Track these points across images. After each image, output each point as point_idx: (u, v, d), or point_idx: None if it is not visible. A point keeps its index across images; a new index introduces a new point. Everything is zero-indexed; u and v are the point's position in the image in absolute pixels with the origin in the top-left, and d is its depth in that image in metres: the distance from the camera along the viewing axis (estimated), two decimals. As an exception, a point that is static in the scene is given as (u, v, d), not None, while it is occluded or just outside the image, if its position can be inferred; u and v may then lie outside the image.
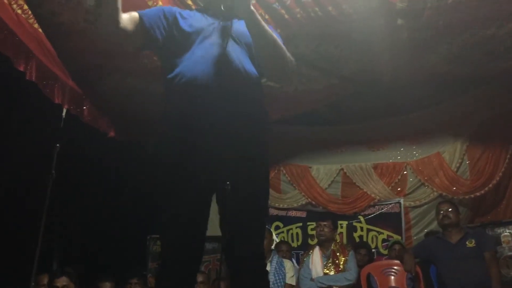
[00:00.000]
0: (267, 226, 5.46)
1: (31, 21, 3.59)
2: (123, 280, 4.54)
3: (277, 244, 5.31)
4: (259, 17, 1.77)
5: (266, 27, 1.79)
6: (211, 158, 1.68)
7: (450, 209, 4.07)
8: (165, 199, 1.72)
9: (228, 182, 1.58)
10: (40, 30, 3.61)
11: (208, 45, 1.79)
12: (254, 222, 1.74)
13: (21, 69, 3.61)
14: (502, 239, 4.39)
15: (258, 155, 1.78)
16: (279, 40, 1.83)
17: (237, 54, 1.80)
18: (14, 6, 3.43)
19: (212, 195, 1.77)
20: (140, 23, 1.79)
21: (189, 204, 1.68)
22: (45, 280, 4.15)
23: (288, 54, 1.85)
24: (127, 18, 1.76)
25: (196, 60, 1.75)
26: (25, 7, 3.47)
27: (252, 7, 1.72)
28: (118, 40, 1.91)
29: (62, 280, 3.80)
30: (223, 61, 1.75)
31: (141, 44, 1.87)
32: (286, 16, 3.48)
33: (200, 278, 4.29)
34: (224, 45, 1.77)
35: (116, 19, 1.70)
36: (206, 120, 1.69)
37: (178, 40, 1.82)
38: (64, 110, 4.12)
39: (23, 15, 3.54)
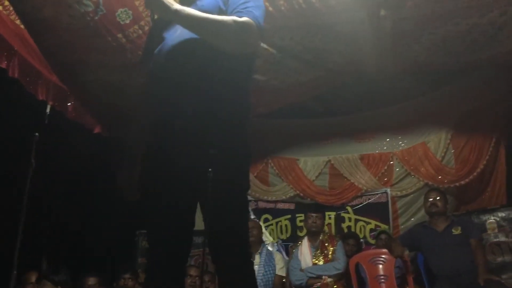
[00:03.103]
0: (256, 219, 5.50)
1: (12, 17, 3.54)
2: (116, 276, 4.54)
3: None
4: (188, 10, 1.67)
5: (195, 15, 1.67)
6: (190, 147, 1.63)
7: (438, 197, 4.11)
8: (149, 193, 1.70)
9: (210, 170, 1.54)
10: (22, 26, 3.56)
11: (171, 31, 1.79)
12: (232, 215, 1.66)
13: (3, 66, 3.57)
14: (488, 226, 4.45)
15: (237, 144, 1.71)
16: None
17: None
18: (-5, 2, 3.40)
19: (197, 188, 1.66)
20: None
21: (174, 196, 1.65)
22: (33, 278, 4.12)
23: (230, 19, 1.67)
24: None
25: (165, 44, 1.76)
26: (6, 3, 3.43)
27: (174, 6, 1.65)
28: None
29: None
30: (190, 44, 1.71)
31: None
32: (270, 9, 3.48)
33: (191, 271, 4.30)
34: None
35: None
36: (182, 105, 1.65)
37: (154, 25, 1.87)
38: (48, 107, 4.09)
39: (4, 12, 3.50)
